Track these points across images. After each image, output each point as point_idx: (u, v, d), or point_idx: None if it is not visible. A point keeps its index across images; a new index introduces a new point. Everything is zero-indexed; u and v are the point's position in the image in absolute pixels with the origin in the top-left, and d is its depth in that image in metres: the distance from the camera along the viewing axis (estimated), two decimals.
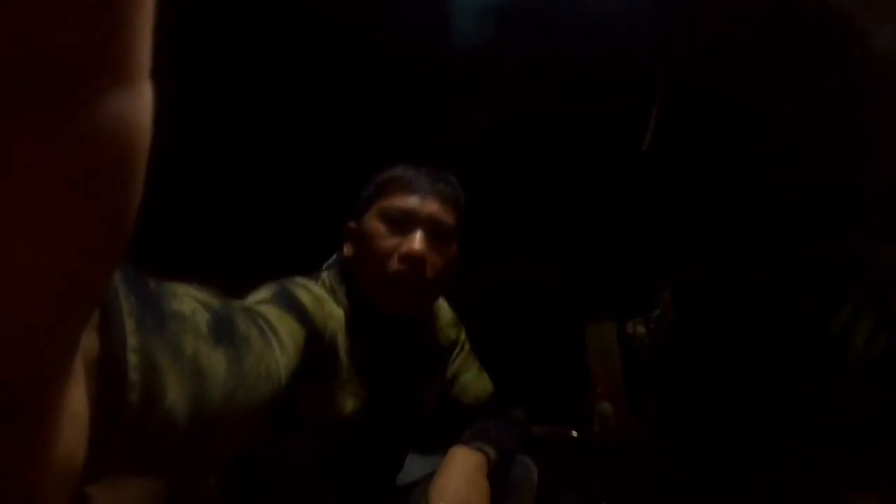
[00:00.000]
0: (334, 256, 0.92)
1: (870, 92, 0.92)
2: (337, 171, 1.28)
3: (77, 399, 0.17)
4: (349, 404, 0.80)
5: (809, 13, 0.94)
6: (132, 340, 0.25)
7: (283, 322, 0.59)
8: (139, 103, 0.13)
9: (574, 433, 1.91)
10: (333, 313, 0.79)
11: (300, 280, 0.78)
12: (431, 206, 0.81)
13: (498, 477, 0.86)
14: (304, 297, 0.72)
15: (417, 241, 0.78)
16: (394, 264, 0.78)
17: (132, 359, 0.25)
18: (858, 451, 0.95)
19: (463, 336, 1.00)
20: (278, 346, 0.50)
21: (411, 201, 0.81)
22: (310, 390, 0.75)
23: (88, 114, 0.12)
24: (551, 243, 2.08)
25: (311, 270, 0.88)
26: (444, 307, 0.99)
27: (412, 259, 0.77)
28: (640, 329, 2.25)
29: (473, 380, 0.98)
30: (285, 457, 0.81)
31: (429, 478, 0.87)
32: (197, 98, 1.66)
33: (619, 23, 1.43)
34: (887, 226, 0.94)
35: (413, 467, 1.00)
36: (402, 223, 0.80)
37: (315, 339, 0.69)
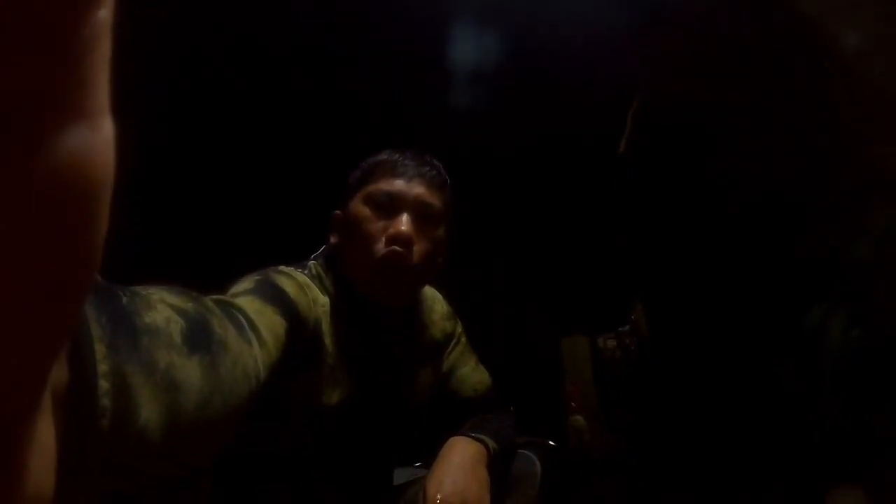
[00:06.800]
0: (322, 248, 0.90)
1: (838, 96, 0.97)
2: (327, 165, 1.26)
3: (45, 430, 0.17)
4: (336, 394, 0.77)
5: (778, 21, 0.99)
6: (103, 366, 0.25)
7: (263, 315, 0.58)
8: (97, 138, 0.13)
9: (551, 443, 1.89)
10: (318, 299, 0.77)
11: (284, 268, 0.76)
12: (418, 189, 0.80)
13: (499, 470, 0.84)
14: (287, 285, 0.70)
15: (404, 222, 0.77)
16: (381, 248, 0.77)
17: (103, 384, 0.25)
18: (838, 446, 0.97)
19: (459, 329, 0.98)
20: (257, 343, 0.50)
21: (397, 184, 0.80)
22: (296, 379, 0.73)
23: (45, 152, 0.12)
24: (525, 256, 2.09)
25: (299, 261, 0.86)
26: (439, 299, 0.97)
27: (399, 240, 0.76)
28: (611, 343, 2.27)
29: (471, 373, 0.96)
30: (275, 448, 0.78)
31: (425, 476, 0.83)
32: (188, 91, 1.62)
33: (592, 31, 1.48)
34: (858, 222, 0.98)
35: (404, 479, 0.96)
36: (389, 207, 0.79)
37: (299, 327, 0.68)
